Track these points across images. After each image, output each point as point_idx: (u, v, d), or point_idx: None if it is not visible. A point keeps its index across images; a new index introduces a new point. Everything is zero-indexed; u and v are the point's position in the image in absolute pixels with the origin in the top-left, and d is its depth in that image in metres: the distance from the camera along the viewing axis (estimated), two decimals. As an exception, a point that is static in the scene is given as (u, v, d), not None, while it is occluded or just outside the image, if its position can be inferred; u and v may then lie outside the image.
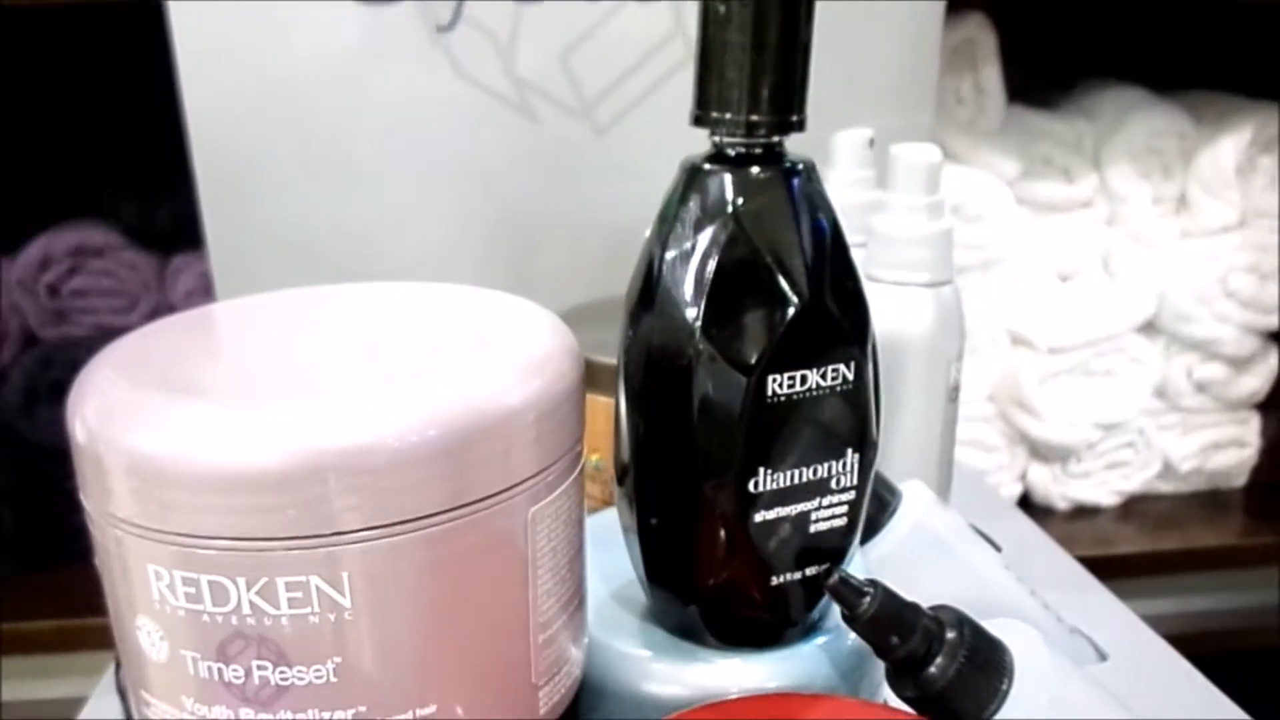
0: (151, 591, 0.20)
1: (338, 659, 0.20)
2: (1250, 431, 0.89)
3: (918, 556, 0.36)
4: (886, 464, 0.42)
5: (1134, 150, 0.80)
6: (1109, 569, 0.86)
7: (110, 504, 0.20)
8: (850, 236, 0.47)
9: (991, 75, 0.76)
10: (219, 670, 0.20)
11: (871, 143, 0.47)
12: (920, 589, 0.31)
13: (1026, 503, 0.89)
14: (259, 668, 0.20)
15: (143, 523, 0.20)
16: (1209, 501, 0.91)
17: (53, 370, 0.78)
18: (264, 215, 0.53)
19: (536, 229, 0.55)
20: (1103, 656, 0.37)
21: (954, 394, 0.42)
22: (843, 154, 0.47)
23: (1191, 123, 0.80)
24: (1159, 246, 0.82)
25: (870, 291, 0.41)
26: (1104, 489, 0.88)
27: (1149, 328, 0.84)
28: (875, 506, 0.36)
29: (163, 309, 0.77)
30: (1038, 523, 0.92)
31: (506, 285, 0.54)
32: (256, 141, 0.52)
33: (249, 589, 0.19)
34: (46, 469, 0.79)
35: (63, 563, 0.79)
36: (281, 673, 0.20)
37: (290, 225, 0.54)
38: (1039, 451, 0.85)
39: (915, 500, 0.36)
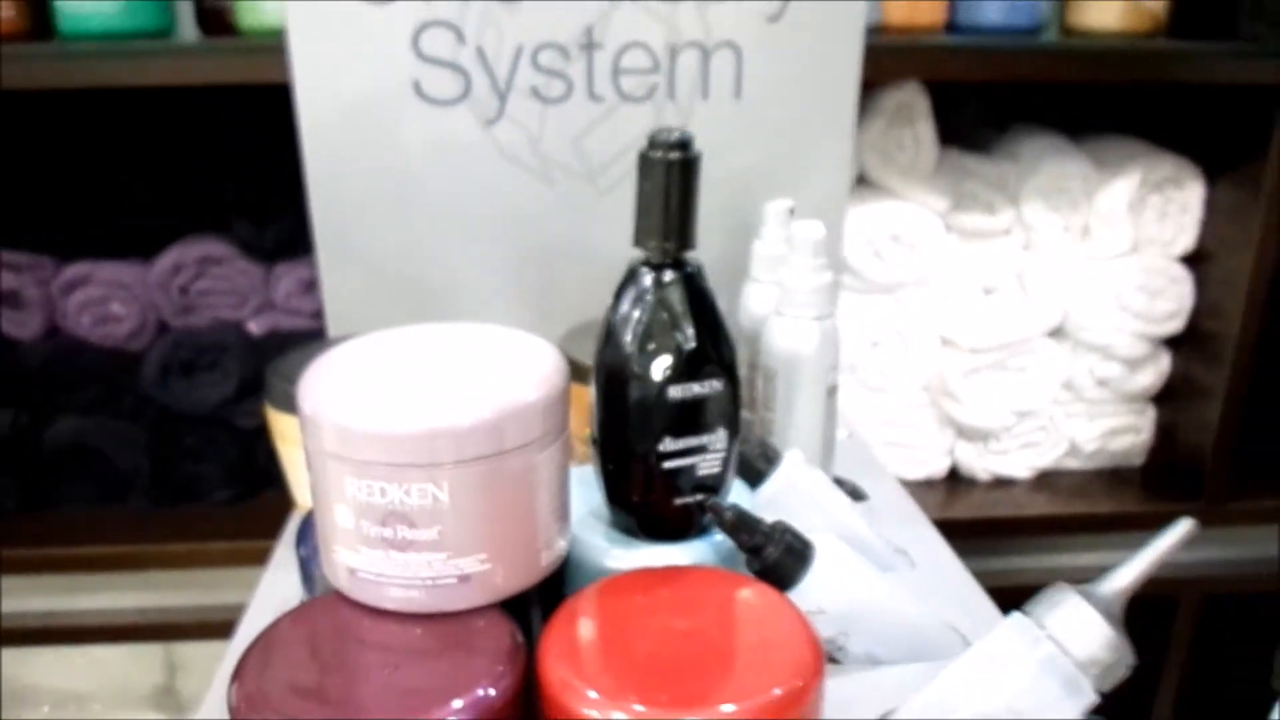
0: (345, 490, 0.40)
1: (440, 527, 0.39)
2: (1146, 421, 1.03)
3: (790, 499, 0.53)
4: (785, 438, 0.60)
5: (1045, 189, 0.93)
6: (1023, 529, 1.05)
7: (323, 444, 0.40)
8: (770, 276, 0.65)
9: (925, 129, 0.91)
10: (379, 531, 0.40)
11: (792, 211, 0.65)
12: (790, 520, 0.49)
13: (954, 475, 1.05)
14: (400, 530, 0.39)
15: (342, 454, 0.39)
16: (1110, 477, 1.04)
17: (181, 352, 0.93)
18: (359, 241, 0.70)
19: (553, 263, 0.71)
20: (914, 566, 0.56)
21: (833, 392, 0.60)
22: (770, 218, 0.65)
23: (1094, 167, 0.94)
24: (1065, 268, 0.96)
25: (776, 323, 0.60)
26: (1020, 464, 1.02)
27: (1057, 333, 0.98)
28: (764, 464, 0.54)
29: (266, 307, 0.94)
30: (963, 492, 1.11)
31: (530, 304, 0.74)
32: (354, 186, 0.68)
33: (399, 488, 0.39)
34: (176, 429, 0.95)
35: (189, 501, 0.97)
36: (413, 533, 0.39)
37: (377, 253, 0.70)
38: (964, 433, 1.01)
39: (792, 462, 0.54)
